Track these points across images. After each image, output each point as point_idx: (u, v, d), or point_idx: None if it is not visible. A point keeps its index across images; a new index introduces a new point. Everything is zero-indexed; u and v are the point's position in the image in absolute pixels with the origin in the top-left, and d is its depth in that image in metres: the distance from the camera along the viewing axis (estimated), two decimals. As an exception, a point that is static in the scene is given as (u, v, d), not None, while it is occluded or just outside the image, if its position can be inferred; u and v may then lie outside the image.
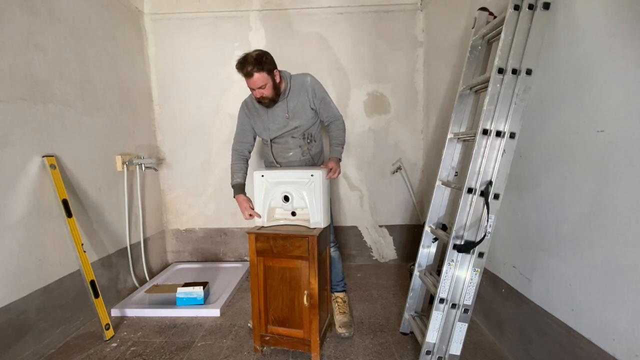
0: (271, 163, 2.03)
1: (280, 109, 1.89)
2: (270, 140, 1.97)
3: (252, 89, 1.79)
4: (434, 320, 1.47)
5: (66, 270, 1.95)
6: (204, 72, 2.92)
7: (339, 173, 1.87)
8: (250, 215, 1.81)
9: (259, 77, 1.72)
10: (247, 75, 1.72)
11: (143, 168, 2.67)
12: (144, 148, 2.79)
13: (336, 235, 2.53)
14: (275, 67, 1.80)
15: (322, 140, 2.08)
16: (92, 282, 1.91)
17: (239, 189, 1.93)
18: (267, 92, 1.78)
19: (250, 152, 2.05)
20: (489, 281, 1.83)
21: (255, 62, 1.69)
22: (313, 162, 2.03)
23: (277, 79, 1.81)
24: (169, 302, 2.25)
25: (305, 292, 1.62)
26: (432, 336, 1.48)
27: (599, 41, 1.14)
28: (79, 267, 1.89)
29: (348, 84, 2.91)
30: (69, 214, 1.87)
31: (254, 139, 2.05)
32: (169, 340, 1.92)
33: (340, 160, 1.92)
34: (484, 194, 1.40)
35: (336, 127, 1.98)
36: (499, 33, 1.44)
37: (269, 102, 1.83)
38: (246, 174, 2.01)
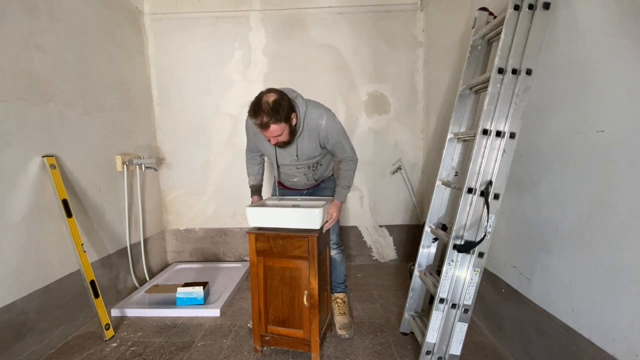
0: (276, 178, 1.99)
1: (288, 149, 1.74)
2: (276, 164, 1.87)
3: (265, 136, 1.63)
4: (434, 320, 1.47)
5: (66, 270, 1.95)
6: (204, 72, 2.92)
7: (336, 219, 1.81)
8: None
9: (276, 128, 1.54)
10: (263, 127, 1.54)
11: (143, 168, 2.67)
12: (144, 148, 2.79)
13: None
14: (293, 110, 1.59)
15: (329, 160, 1.98)
16: (92, 282, 1.92)
17: (254, 191, 1.98)
18: (284, 138, 1.62)
19: (262, 156, 2.00)
20: (489, 281, 1.83)
21: (272, 112, 1.50)
22: (317, 184, 2.00)
23: (294, 122, 1.62)
24: (169, 302, 2.25)
25: (305, 292, 1.62)
26: (432, 336, 1.48)
27: (599, 41, 1.14)
28: (79, 267, 1.89)
29: (348, 84, 2.91)
30: (69, 214, 1.87)
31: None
32: (169, 340, 1.92)
33: (343, 202, 1.86)
34: (484, 194, 1.40)
35: (347, 166, 1.85)
36: (499, 33, 1.44)
37: (283, 145, 1.68)
38: (262, 171, 2.03)
